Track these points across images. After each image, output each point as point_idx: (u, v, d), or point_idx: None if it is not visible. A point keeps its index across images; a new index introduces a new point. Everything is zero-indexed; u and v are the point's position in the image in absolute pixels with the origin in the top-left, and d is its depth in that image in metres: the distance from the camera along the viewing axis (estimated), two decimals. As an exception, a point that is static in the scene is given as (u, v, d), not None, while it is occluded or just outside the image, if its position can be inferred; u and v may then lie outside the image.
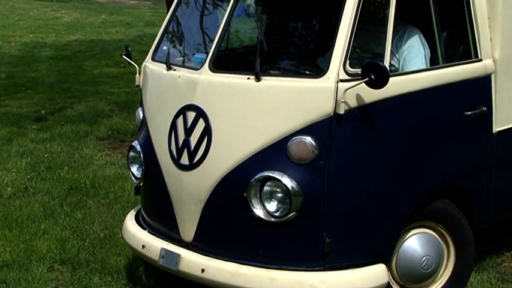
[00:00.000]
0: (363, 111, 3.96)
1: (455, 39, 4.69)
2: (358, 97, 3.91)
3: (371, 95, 3.92)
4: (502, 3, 4.62)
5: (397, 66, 4.45)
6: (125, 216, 5.05)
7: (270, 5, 4.79)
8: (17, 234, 5.78)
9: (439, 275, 4.51)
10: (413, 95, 4.15)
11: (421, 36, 4.48)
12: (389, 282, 4.21)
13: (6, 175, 7.28)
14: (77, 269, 5.20)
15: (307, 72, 4.25)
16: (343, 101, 3.84)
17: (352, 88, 3.83)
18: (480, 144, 4.65)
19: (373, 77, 3.77)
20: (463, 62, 4.53)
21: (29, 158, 7.87)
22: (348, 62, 3.91)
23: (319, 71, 4.01)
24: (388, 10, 4.07)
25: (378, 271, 4.10)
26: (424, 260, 4.36)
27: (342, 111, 3.85)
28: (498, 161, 4.75)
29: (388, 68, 3.89)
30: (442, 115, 4.35)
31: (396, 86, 4.02)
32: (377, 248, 4.15)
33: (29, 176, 7.25)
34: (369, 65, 3.82)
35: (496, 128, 4.68)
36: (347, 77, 3.89)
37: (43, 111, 10.15)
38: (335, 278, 4.00)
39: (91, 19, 23.92)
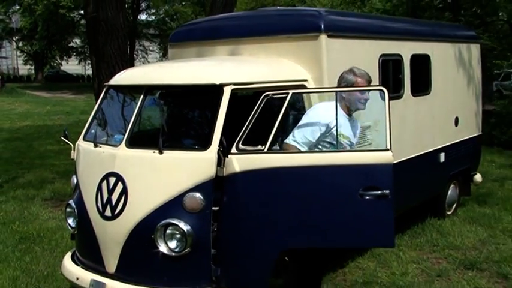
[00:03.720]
0: (239, 175, 4.02)
1: None
2: (235, 164, 4.02)
3: (248, 163, 3.99)
4: None
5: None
6: (63, 257, 4.94)
7: (170, 99, 4.89)
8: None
9: None
10: (272, 171, 3.98)
11: None
12: None
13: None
14: (25, 300, 5.02)
15: (197, 146, 4.35)
16: (221, 167, 4.01)
17: (228, 158, 3.99)
18: None
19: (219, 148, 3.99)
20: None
21: (-13, 216, 7.54)
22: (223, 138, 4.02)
23: (205, 145, 4.11)
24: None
25: None
26: None
27: (221, 174, 4.01)
28: None
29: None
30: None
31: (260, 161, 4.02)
32: (252, 277, 4.12)
33: (-13, 230, 6.95)
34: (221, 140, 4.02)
35: None
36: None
37: (0, 180, 9.79)
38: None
39: (39, 109, 23.42)
